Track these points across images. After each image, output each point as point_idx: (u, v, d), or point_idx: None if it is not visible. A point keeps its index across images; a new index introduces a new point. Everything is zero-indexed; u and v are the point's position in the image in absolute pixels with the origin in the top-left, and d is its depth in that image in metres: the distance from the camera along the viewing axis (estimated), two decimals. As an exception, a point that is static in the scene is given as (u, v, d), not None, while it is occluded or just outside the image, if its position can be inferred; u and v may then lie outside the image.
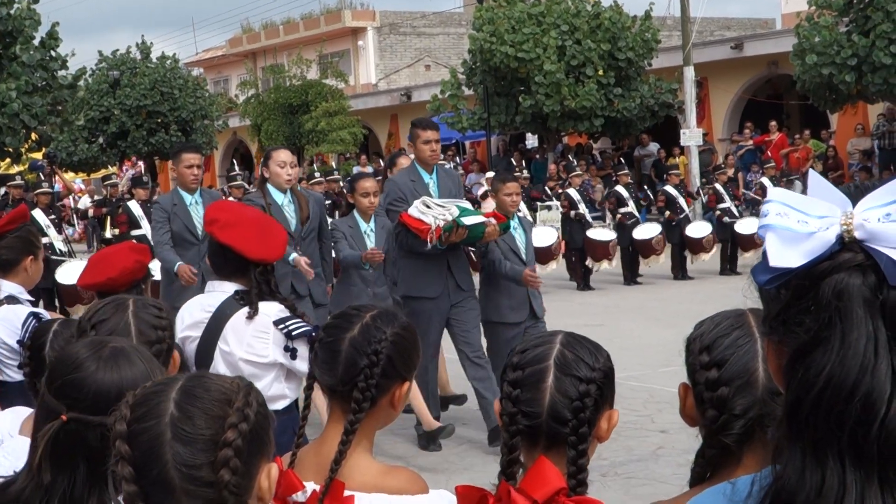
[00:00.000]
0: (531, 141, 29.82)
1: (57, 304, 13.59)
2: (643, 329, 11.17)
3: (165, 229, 8.05)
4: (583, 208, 17.31)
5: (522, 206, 17.68)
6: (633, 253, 17.34)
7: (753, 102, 28.58)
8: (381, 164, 26.85)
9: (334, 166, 28.98)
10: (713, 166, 20.64)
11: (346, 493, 2.27)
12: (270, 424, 1.74)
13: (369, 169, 27.80)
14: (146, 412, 1.66)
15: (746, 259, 17.48)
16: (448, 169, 8.44)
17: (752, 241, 16.94)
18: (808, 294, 1.17)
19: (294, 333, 3.80)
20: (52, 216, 14.37)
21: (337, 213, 17.27)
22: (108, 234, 17.70)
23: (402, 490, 2.31)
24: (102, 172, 29.42)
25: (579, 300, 15.87)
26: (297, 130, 33.13)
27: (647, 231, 17.13)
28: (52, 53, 23.39)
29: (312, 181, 15.05)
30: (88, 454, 1.92)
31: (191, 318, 3.97)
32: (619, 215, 17.53)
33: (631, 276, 17.35)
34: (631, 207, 17.54)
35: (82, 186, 31.05)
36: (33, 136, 23.21)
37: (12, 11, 22.29)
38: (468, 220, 7.22)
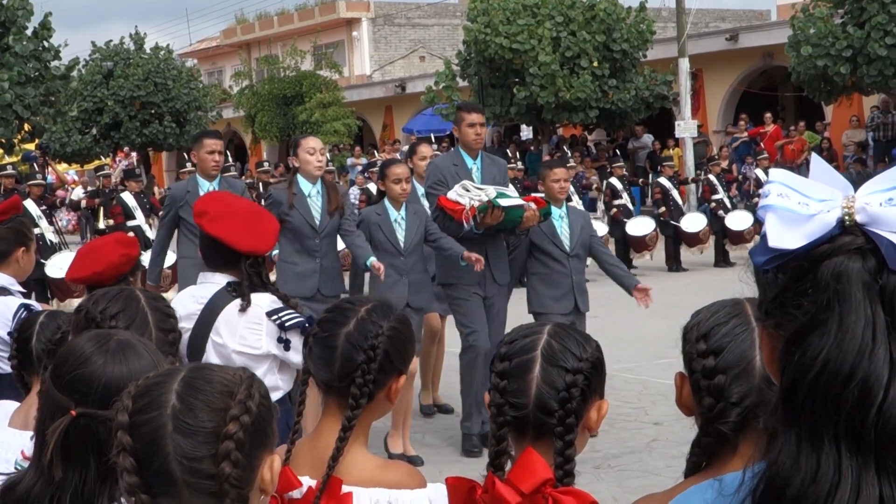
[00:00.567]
0: (526, 132, 29.83)
1: (49, 296, 13.55)
2: (637, 321, 11.14)
3: (169, 216, 8.08)
4: (576, 200, 17.30)
5: (625, 195, 17.77)
6: (627, 245, 17.36)
7: (748, 94, 28.60)
8: (375, 154, 26.83)
9: (328, 158, 28.92)
10: (707, 158, 20.66)
11: (345, 489, 2.25)
12: (273, 416, 1.73)
13: (363, 160, 27.80)
14: (148, 403, 1.65)
15: (739, 251, 17.50)
16: (494, 157, 8.04)
17: (742, 237, 17.04)
18: (806, 276, 1.16)
19: (287, 324, 3.78)
20: (44, 207, 14.30)
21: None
22: (101, 224, 17.66)
23: (401, 484, 2.29)
24: (95, 163, 29.34)
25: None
26: (291, 122, 33.10)
27: (640, 226, 17.16)
28: (45, 44, 23.34)
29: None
30: (99, 449, 1.90)
31: (183, 309, 3.94)
32: (613, 209, 17.54)
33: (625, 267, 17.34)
34: (625, 199, 17.56)
35: (75, 177, 30.99)
36: (26, 126, 23.17)
37: (5, 2, 22.22)
38: (505, 202, 6.94)
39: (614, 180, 17.89)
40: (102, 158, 31.08)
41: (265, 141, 35.91)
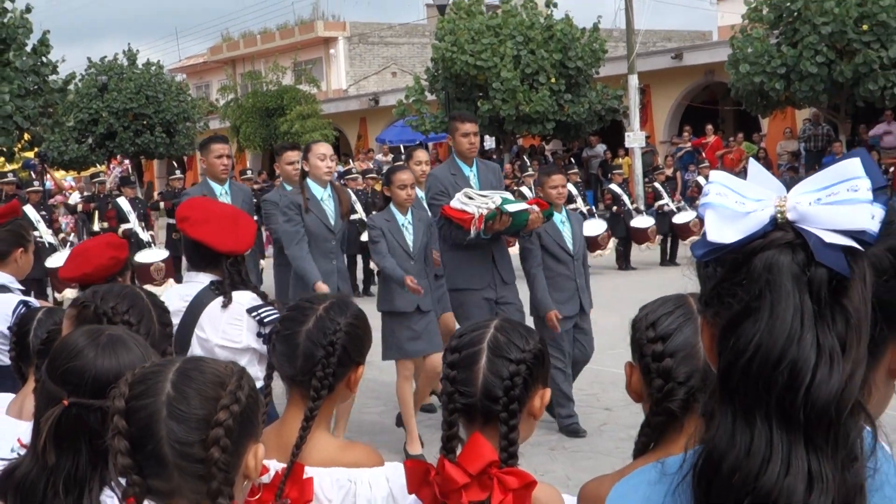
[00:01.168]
0: (489, 142, 29.83)
1: (50, 290, 13.47)
2: (591, 315, 11.17)
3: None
4: (579, 202, 17.64)
5: (579, 199, 17.91)
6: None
7: (692, 108, 28.79)
8: (350, 163, 26.79)
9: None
10: (653, 167, 20.78)
11: (307, 472, 2.26)
12: (259, 408, 1.73)
13: (339, 168, 27.72)
14: (144, 390, 1.65)
15: (686, 249, 17.60)
16: (488, 162, 7.79)
17: (689, 230, 17.20)
18: (741, 268, 1.17)
19: (266, 320, 3.79)
20: (43, 212, 14.25)
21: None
22: (96, 227, 17.55)
23: (358, 463, 2.31)
24: (91, 170, 29.08)
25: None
26: (273, 132, 33.00)
27: (593, 227, 17.27)
28: (44, 59, 23.14)
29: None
30: (90, 436, 1.90)
31: (170, 306, 3.91)
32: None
33: (579, 266, 17.45)
34: (579, 203, 17.71)
35: (72, 184, 30.71)
36: (26, 136, 22.97)
37: (6, 20, 22.03)
38: (512, 208, 6.70)
39: (570, 186, 17.97)
40: (97, 166, 30.80)
41: (249, 150, 35.81)
